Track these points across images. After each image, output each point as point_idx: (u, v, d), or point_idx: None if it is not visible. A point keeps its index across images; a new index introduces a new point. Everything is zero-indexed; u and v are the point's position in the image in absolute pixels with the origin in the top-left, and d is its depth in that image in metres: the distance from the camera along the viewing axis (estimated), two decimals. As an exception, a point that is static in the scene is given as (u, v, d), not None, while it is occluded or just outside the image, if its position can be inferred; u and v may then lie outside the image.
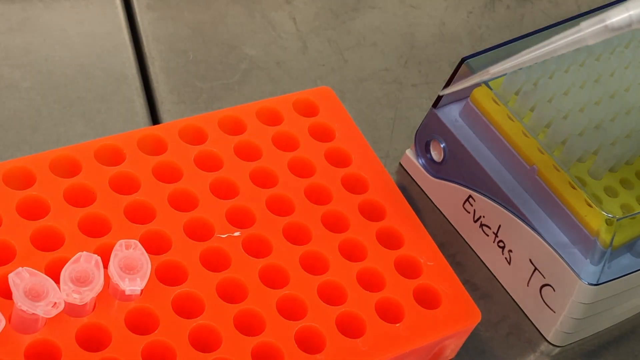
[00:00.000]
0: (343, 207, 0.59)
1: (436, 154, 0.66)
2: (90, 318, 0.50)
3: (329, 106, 0.64)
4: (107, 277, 0.50)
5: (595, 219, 0.58)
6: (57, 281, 0.48)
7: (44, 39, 0.71)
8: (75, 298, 0.48)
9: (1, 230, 0.52)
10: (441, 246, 0.59)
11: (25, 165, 0.55)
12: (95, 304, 0.50)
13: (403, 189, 0.68)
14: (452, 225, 0.67)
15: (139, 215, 0.55)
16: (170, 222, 0.55)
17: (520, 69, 0.63)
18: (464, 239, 0.66)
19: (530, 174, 0.61)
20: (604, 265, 0.59)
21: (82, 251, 0.49)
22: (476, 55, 0.63)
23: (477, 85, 0.63)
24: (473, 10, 0.83)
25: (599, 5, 0.69)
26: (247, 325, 0.52)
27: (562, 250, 0.60)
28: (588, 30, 0.34)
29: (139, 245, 0.51)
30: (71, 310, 0.49)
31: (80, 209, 0.54)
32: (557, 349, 0.63)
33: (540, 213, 0.61)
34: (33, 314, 0.47)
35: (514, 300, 0.64)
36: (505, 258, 0.63)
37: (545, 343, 0.62)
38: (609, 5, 0.69)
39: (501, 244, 0.63)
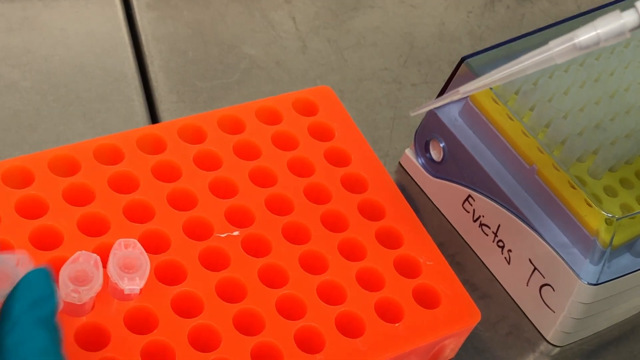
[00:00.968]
0: (342, 206, 0.58)
1: (436, 154, 0.66)
2: (89, 317, 0.50)
3: (328, 106, 0.64)
4: (106, 277, 0.50)
5: (595, 219, 0.58)
6: (56, 280, 0.48)
7: (44, 38, 0.71)
8: (74, 297, 0.48)
9: (0, 229, 0.52)
10: (441, 246, 0.59)
11: (24, 165, 0.55)
12: (94, 303, 0.50)
13: (402, 189, 0.68)
14: (452, 225, 0.67)
15: (138, 214, 0.55)
16: (170, 221, 0.55)
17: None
18: (463, 239, 0.66)
19: (530, 174, 0.61)
20: (603, 265, 0.59)
21: (81, 250, 0.49)
22: (476, 55, 0.63)
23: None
24: (473, 10, 0.83)
25: (599, 5, 0.69)
26: (247, 325, 0.52)
27: (561, 250, 0.60)
28: (556, 49, 0.34)
29: (138, 244, 0.51)
30: (70, 309, 0.49)
31: (79, 208, 0.54)
32: (557, 349, 0.62)
33: (540, 213, 0.61)
34: (32, 313, 0.47)
35: (513, 300, 0.64)
36: (505, 258, 0.63)
37: (545, 343, 0.62)
38: (609, 5, 0.69)
39: (501, 244, 0.63)
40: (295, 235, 0.56)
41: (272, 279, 0.54)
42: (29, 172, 0.54)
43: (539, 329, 0.63)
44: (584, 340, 0.63)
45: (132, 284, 0.49)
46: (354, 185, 0.60)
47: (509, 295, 0.64)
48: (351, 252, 0.57)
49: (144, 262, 0.50)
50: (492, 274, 0.65)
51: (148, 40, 0.73)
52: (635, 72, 0.66)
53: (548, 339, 0.62)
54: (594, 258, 0.58)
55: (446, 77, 0.65)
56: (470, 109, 0.64)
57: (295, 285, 0.54)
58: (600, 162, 0.61)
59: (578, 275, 0.59)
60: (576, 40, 0.35)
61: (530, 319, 0.63)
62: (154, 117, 0.69)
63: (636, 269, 0.61)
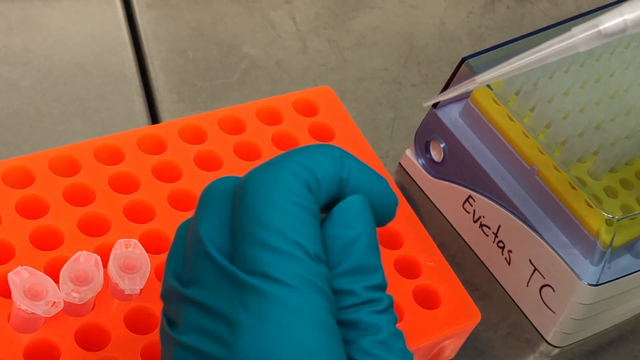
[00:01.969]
0: (343, 207, 0.58)
1: (436, 154, 0.66)
2: (89, 317, 0.50)
3: (328, 106, 0.64)
4: (106, 277, 0.50)
5: (595, 220, 0.58)
6: (56, 280, 0.48)
7: (44, 37, 0.71)
8: (75, 297, 0.48)
9: (0, 229, 0.52)
10: (441, 246, 0.59)
11: (25, 164, 0.55)
12: (94, 303, 0.50)
13: (403, 189, 0.68)
14: (452, 225, 0.67)
15: (138, 214, 0.55)
16: (170, 221, 0.55)
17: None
18: (463, 239, 0.66)
19: (530, 174, 0.61)
20: (603, 266, 0.59)
21: (82, 250, 0.49)
22: (476, 55, 0.63)
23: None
24: (473, 11, 0.83)
25: (600, 6, 0.69)
26: (247, 325, 0.52)
27: (562, 250, 0.60)
28: (580, 36, 0.33)
29: (139, 244, 0.50)
30: (70, 309, 0.49)
31: (79, 208, 0.54)
32: (557, 350, 0.62)
33: (540, 213, 0.61)
34: (32, 313, 0.47)
35: (513, 300, 0.64)
36: (505, 258, 0.63)
37: (545, 343, 0.62)
38: (609, 6, 0.69)
39: (501, 244, 0.63)
40: (296, 236, 0.56)
41: (272, 279, 0.54)
42: (29, 172, 0.54)
43: (539, 330, 0.63)
44: (584, 341, 0.63)
45: (133, 284, 0.49)
46: (354, 185, 0.60)
47: (509, 296, 0.64)
48: (351, 253, 0.56)
49: (145, 262, 0.50)
50: (492, 274, 0.65)
51: (148, 40, 0.73)
52: (636, 72, 0.66)
53: (548, 339, 0.62)
54: (594, 259, 0.58)
55: (446, 78, 0.65)
56: (471, 110, 0.64)
57: (296, 286, 0.54)
58: (600, 163, 0.61)
59: (578, 276, 0.59)
60: (601, 27, 0.33)
61: (530, 319, 0.63)
62: (154, 117, 0.69)
63: (636, 270, 0.61)
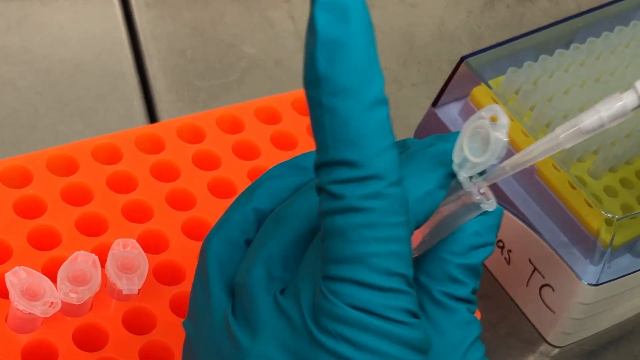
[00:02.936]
0: (342, 206, 0.58)
1: (435, 154, 0.66)
2: (87, 317, 0.50)
3: (327, 105, 0.63)
4: (104, 277, 0.50)
5: (595, 219, 0.58)
6: (54, 280, 0.48)
7: (42, 37, 0.71)
8: (73, 297, 0.48)
9: (-2, 229, 0.52)
10: (440, 246, 0.59)
11: (22, 164, 0.54)
12: (92, 303, 0.50)
13: (402, 189, 0.67)
14: (452, 225, 0.66)
15: (136, 214, 0.54)
16: (168, 221, 0.55)
17: (519, 68, 0.63)
18: (463, 239, 0.66)
19: (530, 174, 0.61)
20: (603, 266, 0.58)
21: (80, 250, 0.49)
22: (476, 55, 0.63)
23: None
24: (473, 10, 0.82)
25: (599, 5, 0.69)
26: (245, 325, 0.51)
27: (561, 250, 0.59)
28: (562, 135, 0.36)
29: (137, 244, 0.50)
30: (68, 309, 0.49)
31: (77, 208, 0.54)
32: (557, 350, 0.62)
33: (540, 213, 0.61)
34: (30, 313, 0.47)
35: (513, 300, 0.64)
36: (505, 258, 0.63)
37: (545, 343, 0.62)
38: (609, 5, 0.69)
39: (500, 244, 0.63)
40: (295, 235, 0.56)
41: (271, 279, 0.54)
42: (27, 172, 0.54)
43: (538, 330, 0.62)
44: (584, 341, 0.63)
45: (131, 284, 0.49)
46: (353, 185, 0.60)
47: (509, 296, 0.64)
48: (350, 252, 0.56)
49: (143, 262, 0.50)
50: (491, 274, 0.64)
51: (147, 40, 0.73)
52: (636, 71, 0.66)
53: (548, 339, 0.62)
54: (594, 258, 0.58)
55: (446, 77, 0.64)
56: (470, 109, 0.63)
57: (295, 286, 0.54)
58: (600, 162, 0.60)
59: (578, 276, 0.59)
60: (581, 125, 0.36)
61: (530, 319, 0.63)
62: (152, 117, 0.69)
63: (636, 270, 0.60)
